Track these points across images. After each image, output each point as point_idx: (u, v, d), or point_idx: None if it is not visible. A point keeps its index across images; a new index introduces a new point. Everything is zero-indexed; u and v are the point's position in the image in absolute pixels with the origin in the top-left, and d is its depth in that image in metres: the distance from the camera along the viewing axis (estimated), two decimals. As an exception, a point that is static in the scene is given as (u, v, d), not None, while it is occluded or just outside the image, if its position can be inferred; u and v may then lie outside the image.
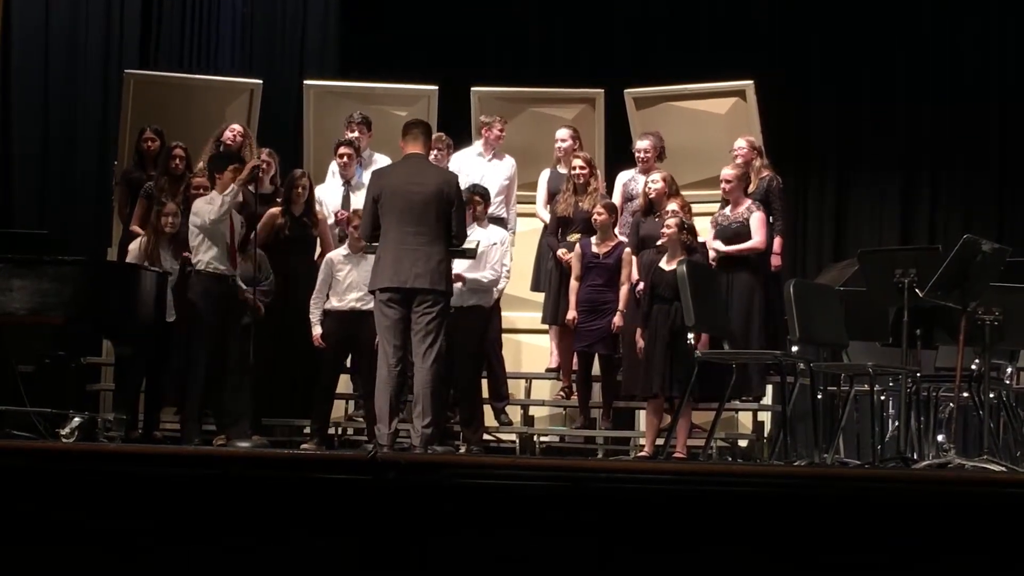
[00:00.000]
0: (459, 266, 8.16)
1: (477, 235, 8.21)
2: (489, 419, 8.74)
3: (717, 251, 8.52)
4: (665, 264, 7.99)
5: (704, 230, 8.62)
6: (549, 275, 9.06)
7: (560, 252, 8.85)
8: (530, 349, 9.76)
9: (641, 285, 8.31)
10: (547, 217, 9.28)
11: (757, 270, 8.55)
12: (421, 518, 4.56)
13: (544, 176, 9.49)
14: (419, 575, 4.54)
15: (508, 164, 9.56)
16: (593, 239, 8.63)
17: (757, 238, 8.50)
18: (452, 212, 7.48)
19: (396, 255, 7.35)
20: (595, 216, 8.60)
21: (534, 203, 9.72)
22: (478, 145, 9.58)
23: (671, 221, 8.06)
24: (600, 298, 8.57)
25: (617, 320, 8.48)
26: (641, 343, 8.01)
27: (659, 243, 8.28)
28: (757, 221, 8.51)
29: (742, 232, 8.52)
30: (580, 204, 8.85)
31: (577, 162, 8.94)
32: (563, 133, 9.42)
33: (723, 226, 8.59)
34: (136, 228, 8.84)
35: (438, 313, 7.40)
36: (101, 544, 4.60)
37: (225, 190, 8.11)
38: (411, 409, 7.72)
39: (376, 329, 7.53)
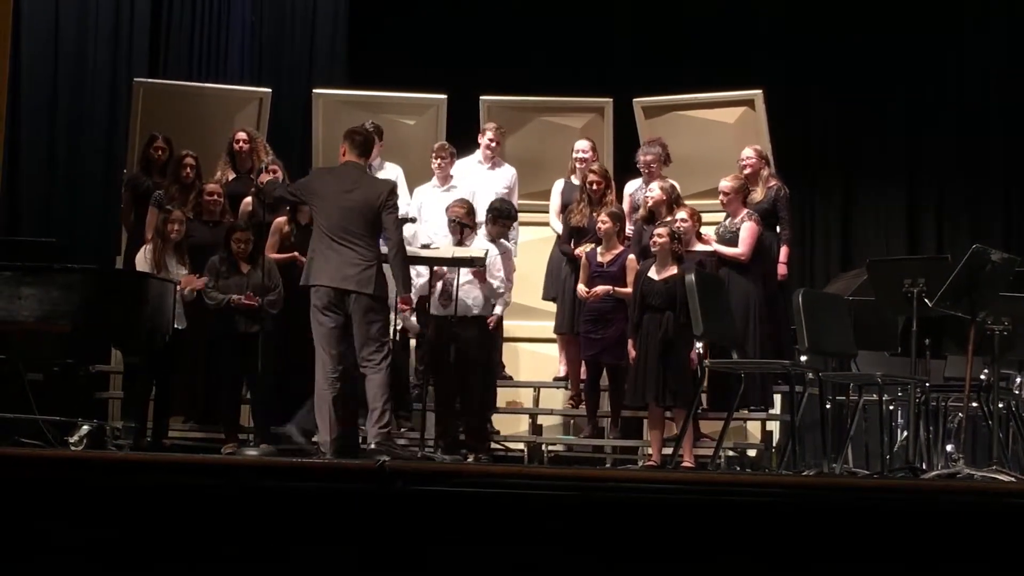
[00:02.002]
0: (463, 278, 8.25)
1: (481, 244, 8.32)
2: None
3: (711, 244, 8.51)
4: (654, 274, 7.94)
5: (713, 240, 8.63)
6: (563, 284, 9.04)
7: (578, 250, 8.82)
8: (539, 358, 9.75)
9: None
10: (560, 227, 9.27)
11: (756, 279, 8.53)
12: (428, 527, 4.56)
13: (558, 186, 9.47)
14: (427, 584, 4.54)
15: (508, 173, 9.56)
16: (599, 248, 8.62)
17: (741, 248, 8.48)
18: (384, 217, 7.41)
19: (325, 257, 7.33)
20: (600, 224, 8.58)
21: (539, 212, 9.73)
22: (478, 153, 9.60)
23: (661, 231, 8.01)
24: (605, 307, 8.55)
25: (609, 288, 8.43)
26: (633, 352, 7.99)
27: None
28: (746, 231, 8.49)
29: (734, 242, 8.52)
30: (595, 215, 8.83)
31: (593, 176, 8.93)
32: (583, 144, 9.40)
33: (720, 235, 8.63)
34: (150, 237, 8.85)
35: (383, 319, 7.41)
36: (110, 552, 4.61)
37: None
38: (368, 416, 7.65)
39: (315, 338, 7.47)
